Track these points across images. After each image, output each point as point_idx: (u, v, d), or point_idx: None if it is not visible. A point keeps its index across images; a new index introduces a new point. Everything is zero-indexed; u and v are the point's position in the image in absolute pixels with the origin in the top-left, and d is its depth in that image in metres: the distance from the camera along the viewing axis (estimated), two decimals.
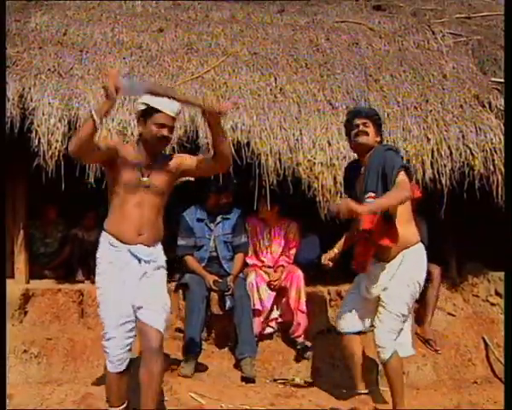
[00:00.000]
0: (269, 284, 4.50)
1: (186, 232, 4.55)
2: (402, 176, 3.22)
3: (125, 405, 3.07)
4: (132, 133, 4.22)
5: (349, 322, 3.55)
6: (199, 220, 4.56)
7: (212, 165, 3.09)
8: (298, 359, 4.38)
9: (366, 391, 3.62)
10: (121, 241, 2.95)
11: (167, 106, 2.93)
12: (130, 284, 2.93)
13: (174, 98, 2.91)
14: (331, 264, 3.72)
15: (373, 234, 3.27)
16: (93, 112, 2.71)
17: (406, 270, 3.31)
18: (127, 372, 3.02)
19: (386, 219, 3.25)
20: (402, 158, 4.20)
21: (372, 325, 3.49)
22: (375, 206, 3.15)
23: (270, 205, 4.49)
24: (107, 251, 2.98)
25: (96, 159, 3.09)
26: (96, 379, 3.93)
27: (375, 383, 4.00)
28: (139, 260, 2.96)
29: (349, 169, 3.71)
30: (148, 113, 2.95)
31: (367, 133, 3.40)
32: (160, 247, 3.09)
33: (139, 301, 2.94)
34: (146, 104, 2.95)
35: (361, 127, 3.42)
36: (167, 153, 3.36)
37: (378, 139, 3.47)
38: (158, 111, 2.93)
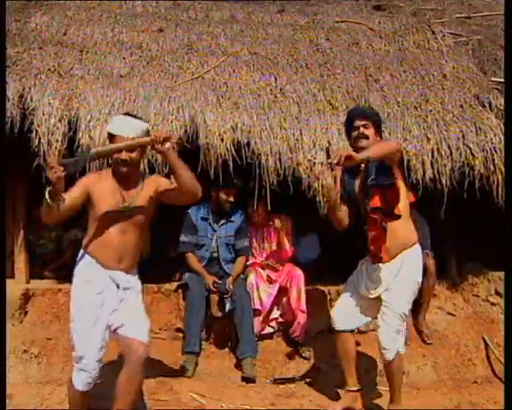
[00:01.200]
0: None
1: (189, 229, 4.55)
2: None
3: None
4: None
5: (344, 320, 3.53)
6: (203, 219, 4.57)
7: (177, 196, 2.98)
8: (297, 358, 4.37)
9: (357, 388, 3.59)
10: (102, 265, 2.96)
11: (122, 129, 2.92)
12: (108, 307, 2.93)
13: (120, 149, 2.88)
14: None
15: (383, 212, 3.24)
16: (46, 196, 2.71)
17: (408, 271, 3.34)
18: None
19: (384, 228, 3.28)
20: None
21: (367, 325, 3.48)
22: (369, 153, 3.06)
23: (257, 205, 4.48)
24: (88, 271, 2.97)
25: (74, 211, 2.94)
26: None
27: (374, 383, 3.99)
28: (117, 286, 2.97)
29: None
30: (109, 139, 3.01)
31: (367, 137, 3.39)
32: (136, 271, 3.10)
33: (118, 321, 2.93)
34: (108, 132, 3.01)
35: (361, 129, 3.41)
36: (147, 174, 3.24)
37: (378, 139, 3.48)
38: (114, 136, 2.95)
